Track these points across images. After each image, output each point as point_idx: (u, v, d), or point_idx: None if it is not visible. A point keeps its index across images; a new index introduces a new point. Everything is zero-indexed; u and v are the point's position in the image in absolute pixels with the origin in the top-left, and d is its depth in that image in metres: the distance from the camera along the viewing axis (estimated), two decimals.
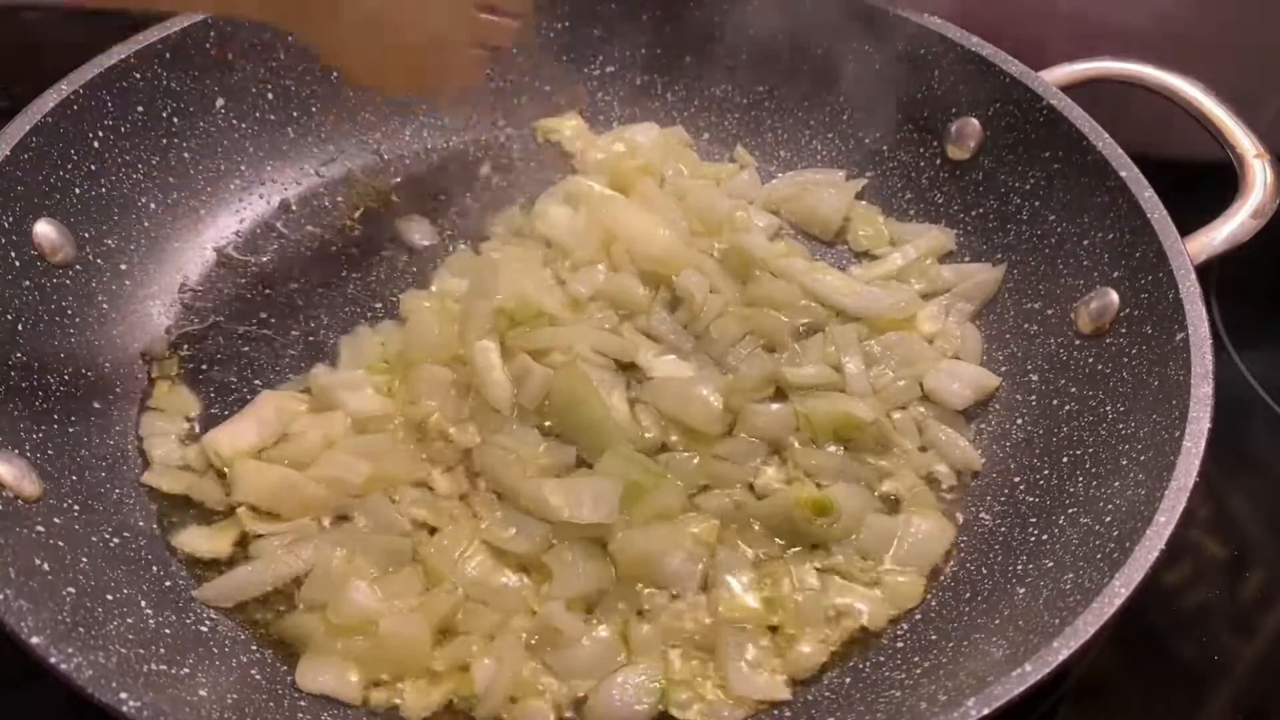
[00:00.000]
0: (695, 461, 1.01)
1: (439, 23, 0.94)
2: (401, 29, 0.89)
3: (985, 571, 0.97)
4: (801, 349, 1.09)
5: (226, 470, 1.00)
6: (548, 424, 1.03)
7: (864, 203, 1.26)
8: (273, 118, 1.23)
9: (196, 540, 0.96)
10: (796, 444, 1.03)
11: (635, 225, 1.16)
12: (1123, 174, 1.04)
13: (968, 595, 0.95)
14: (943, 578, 0.98)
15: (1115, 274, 1.05)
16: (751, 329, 1.10)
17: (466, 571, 0.94)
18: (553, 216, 1.19)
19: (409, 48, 0.90)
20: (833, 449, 1.03)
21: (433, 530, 0.97)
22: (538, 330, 1.06)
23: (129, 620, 0.86)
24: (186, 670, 0.84)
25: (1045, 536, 0.96)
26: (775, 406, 1.04)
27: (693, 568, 0.93)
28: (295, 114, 1.24)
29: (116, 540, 0.94)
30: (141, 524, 0.97)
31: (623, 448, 0.99)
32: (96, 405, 1.02)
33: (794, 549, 0.97)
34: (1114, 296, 1.04)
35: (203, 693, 0.82)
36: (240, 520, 0.97)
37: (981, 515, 1.02)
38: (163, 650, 0.85)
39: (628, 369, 1.08)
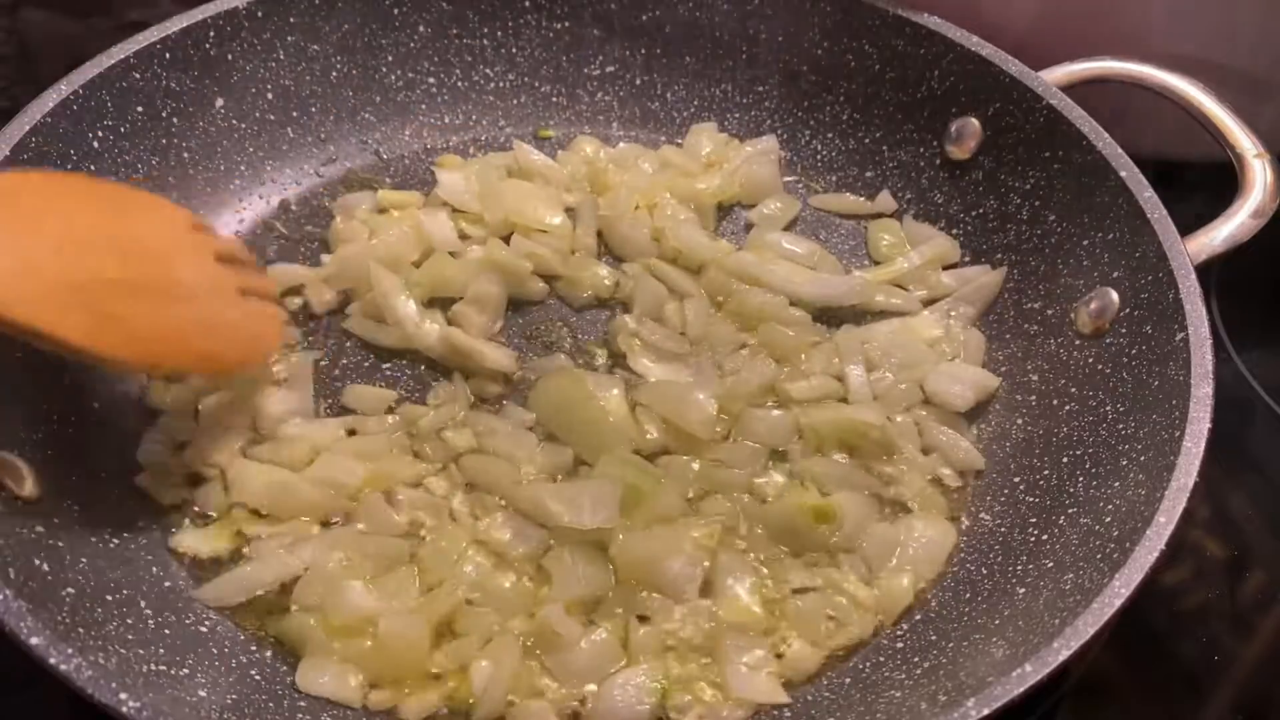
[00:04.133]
0: (695, 466, 1.00)
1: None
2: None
3: (985, 572, 0.97)
4: (806, 357, 1.09)
5: (216, 473, 1.00)
6: (545, 425, 1.03)
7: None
8: (272, 118, 1.23)
9: (195, 541, 0.96)
10: (799, 451, 1.03)
11: (524, 205, 1.18)
12: (1123, 174, 1.04)
13: (968, 595, 0.95)
14: (943, 578, 0.98)
15: (1115, 274, 1.05)
16: (758, 344, 1.10)
17: (465, 573, 0.94)
18: (448, 183, 1.21)
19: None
20: (837, 456, 1.03)
21: (430, 531, 0.97)
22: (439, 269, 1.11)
23: (129, 620, 0.86)
24: (186, 670, 0.84)
25: (1045, 537, 0.96)
26: (776, 413, 1.04)
27: (693, 572, 0.92)
28: (295, 114, 1.24)
29: (116, 540, 0.94)
30: (141, 524, 0.97)
31: (620, 451, 0.99)
32: (96, 405, 1.02)
33: (795, 555, 0.96)
34: (1114, 296, 1.04)
35: (202, 693, 0.82)
36: (235, 522, 0.97)
37: (981, 515, 1.02)
38: (163, 650, 0.85)
39: (626, 369, 1.09)
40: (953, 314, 1.15)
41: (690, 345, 1.10)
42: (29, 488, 0.89)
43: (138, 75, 1.11)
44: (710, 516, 0.97)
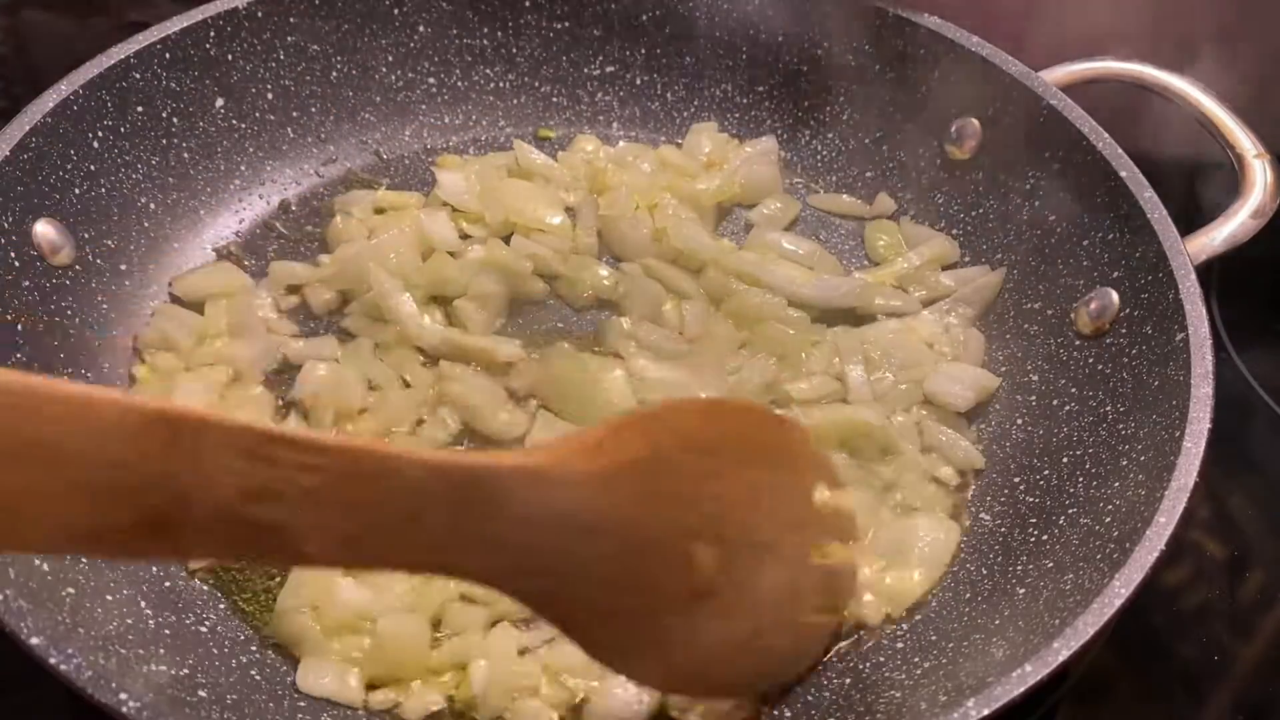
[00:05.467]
0: None
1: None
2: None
3: (985, 572, 0.97)
4: (806, 357, 1.09)
5: None
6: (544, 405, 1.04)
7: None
8: (272, 118, 1.23)
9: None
10: None
11: (524, 205, 1.18)
12: (1123, 174, 1.04)
13: (968, 595, 0.95)
14: (943, 578, 0.98)
15: (1115, 274, 1.05)
16: (758, 344, 1.10)
17: None
18: (448, 183, 1.21)
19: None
20: (837, 456, 1.02)
21: None
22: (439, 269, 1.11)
23: (129, 620, 0.86)
24: (186, 670, 0.84)
25: (1045, 537, 0.96)
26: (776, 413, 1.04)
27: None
28: (295, 114, 1.24)
29: None
30: None
31: None
32: None
33: None
34: (1114, 296, 1.04)
35: (203, 693, 0.82)
36: None
37: (981, 515, 1.02)
38: (163, 650, 0.85)
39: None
40: (952, 314, 1.14)
41: (688, 345, 1.10)
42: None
43: (138, 75, 1.11)
44: None
